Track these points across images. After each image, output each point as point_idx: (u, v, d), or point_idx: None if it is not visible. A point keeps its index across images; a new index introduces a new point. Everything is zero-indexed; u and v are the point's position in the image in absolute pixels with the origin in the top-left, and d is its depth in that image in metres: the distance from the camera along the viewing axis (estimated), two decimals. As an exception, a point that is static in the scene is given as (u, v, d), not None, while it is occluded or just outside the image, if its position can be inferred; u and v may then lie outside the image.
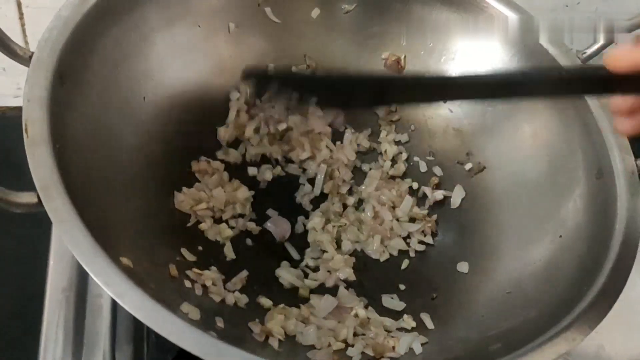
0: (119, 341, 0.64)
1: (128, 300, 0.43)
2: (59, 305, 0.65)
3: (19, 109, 0.51)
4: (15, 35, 0.83)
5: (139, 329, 0.65)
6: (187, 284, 0.59)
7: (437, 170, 0.77)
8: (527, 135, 0.71)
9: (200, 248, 0.65)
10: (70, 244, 0.45)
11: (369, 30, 0.78)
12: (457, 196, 0.74)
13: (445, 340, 0.61)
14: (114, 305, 0.66)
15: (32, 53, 0.54)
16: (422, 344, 0.59)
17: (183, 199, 0.66)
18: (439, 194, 0.75)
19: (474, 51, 0.75)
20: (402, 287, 0.68)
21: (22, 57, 0.55)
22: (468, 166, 0.75)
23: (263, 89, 0.53)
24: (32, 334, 0.64)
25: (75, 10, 0.58)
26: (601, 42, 0.70)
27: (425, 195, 0.76)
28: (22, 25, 0.84)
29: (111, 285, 0.44)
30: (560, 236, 0.63)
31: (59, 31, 0.56)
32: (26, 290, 0.70)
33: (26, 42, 0.85)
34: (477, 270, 0.67)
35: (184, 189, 0.67)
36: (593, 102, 0.65)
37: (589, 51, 0.70)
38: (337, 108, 0.69)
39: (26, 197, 0.47)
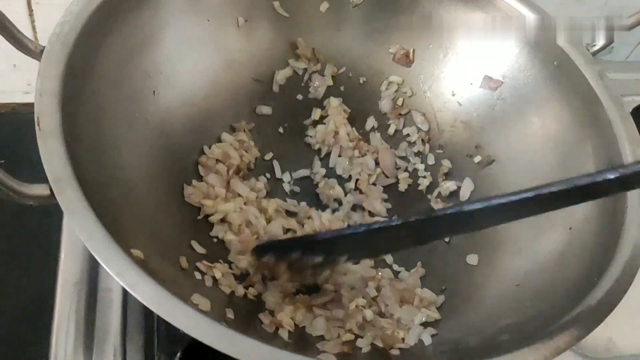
0: (129, 333, 0.65)
1: (140, 290, 0.44)
2: (70, 298, 0.66)
3: (30, 105, 0.51)
4: (25, 31, 0.83)
5: (149, 321, 0.66)
6: (198, 276, 0.60)
7: (446, 163, 0.77)
8: (536, 127, 0.71)
9: (212, 240, 0.66)
10: (82, 235, 0.45)
11: (377, 24, 0.78)
12: (466, 189, 0.74)
13: (454, 331, 0.60)
14: (125, 298, 0.67)
15: (44, 47, 0.54)
16: (432, 336, 0.59)
17: (192, 192, 0.66)
18: (452, 185, 0.75)
19: (482, 45, 0.74)
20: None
21: (34, 52, 0.55)
22: (477, 159, 0.75)
23: (280, 259, 0.58)
24: (44, 327, 0.64)
25: (86, 5, 0.58)
26: (602, 42, 0.70)
27: (431, 184, 0.76)
28: (32, 21, 0.84)
29: (123, 276, 0.44)
30: (570, 228, 0.62)
31: (70, 26, 0.56)
32: (38, 283, 0.70)
33: (36, 38, 0.86)
34: (487, 263, 0.67)
35: (194, 182, 0.67)
36: (603, 95, 0.65)
37: (599, 44, 0.70)
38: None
39: (38, 189, 0.47)
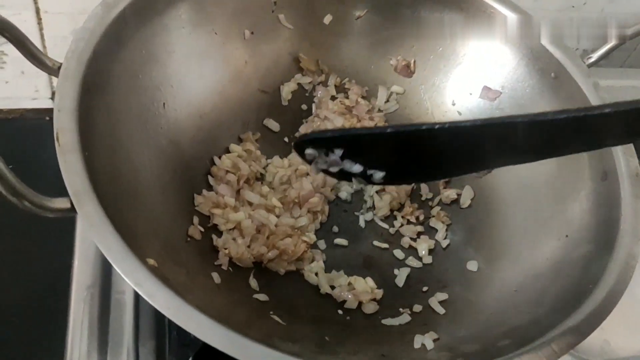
0: (141, 337, 0.66)
1: (158, 299, 0.46)
2: (83, 302, 0.68)
3: (37, 111, 0.54)
4: (33, 40, 0.85)
5: (161, 325, 0.67)
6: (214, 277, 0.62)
7: (447, 172, 0.78)
8: (534, 137, 0.73)
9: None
10: (102, 246, 0.47)
11: (379, 36, 0.80)
12: (466, 196, 0.76)
13: (455, 337, 0.62)
14: (137, 301, 0.68)
15: (61, 64, 0.56)
16: (434, 340, 0.61)
17: (202, 201, 0.68)
18: (453, 193, 0.77)
19: (482, 56, 0.77)
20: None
21: (51, 68, 0.57)
22: (477, 167, 0.77)
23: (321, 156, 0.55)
24: (59, 330, 0.66)
25: (99, 22, 0.60)
26: (612, 43, 0.71)
27: (427, 199, 0.78)
28: (41, 30, 0.86)
29: (142, 286, 0.46)
30: (567, 236, 0.64)
31: (85, 43, 0.58)
32: (52, 287, 0.72)
33: (44, 47, 0.87)
34: (486, 269, 0.69)
35: (204, 191, 0.69)
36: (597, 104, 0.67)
37: (595, 56, 0.72)
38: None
39: (59, 203, 0.49)
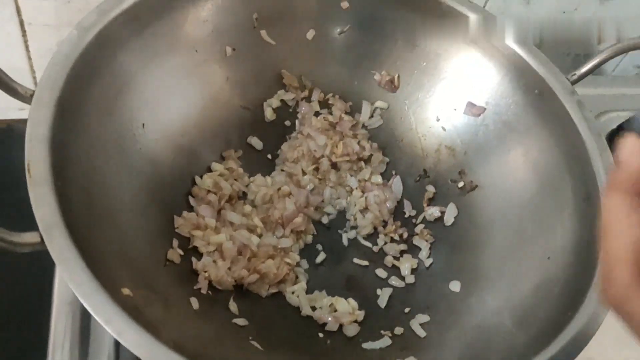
0: (122, 356, 0.66)
1: (127, 337, 0.45)
2: (65, 318, 0.67)
3: (24, 121, 0.53)
4: (18, 53, 0.84)
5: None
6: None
7: (430, 189, 0.78)
8: (518, 155, 0.72)
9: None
10: (71, 282, 0.47)
11: (362, 51, 0.79)
12: (450, 214, 0.75)
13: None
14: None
15: (33, 92, 0.55)
16: (413, 365, 0.61)
17: (182, 222, 0.67)
18: (436, 211, 0.76)
19: (466, 72, 0.76)
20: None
21: (24, 96, 0.56)
22: (461, 184, 0.76)
23: None
24: (39, 347, 0.66)
25: (75, 46, 0.59)
26: (594, 62, 0.70)
27: (410, 217, 0.77)
28: (25, 42, 0.85)
29: (111, 324, 0.46)
30: (549, 258, 0.64)
31: (58, 69, 0.57)
32: (33, 303, 0.71)
33: (29, 58, 0.86)
34: (469, 290, 0.69)
35: (184, 212, 0.69)
36: (582, 125, 0.67)
37: (578, 74, 0.71)
38: None
39: (29, 237, 0.49)
